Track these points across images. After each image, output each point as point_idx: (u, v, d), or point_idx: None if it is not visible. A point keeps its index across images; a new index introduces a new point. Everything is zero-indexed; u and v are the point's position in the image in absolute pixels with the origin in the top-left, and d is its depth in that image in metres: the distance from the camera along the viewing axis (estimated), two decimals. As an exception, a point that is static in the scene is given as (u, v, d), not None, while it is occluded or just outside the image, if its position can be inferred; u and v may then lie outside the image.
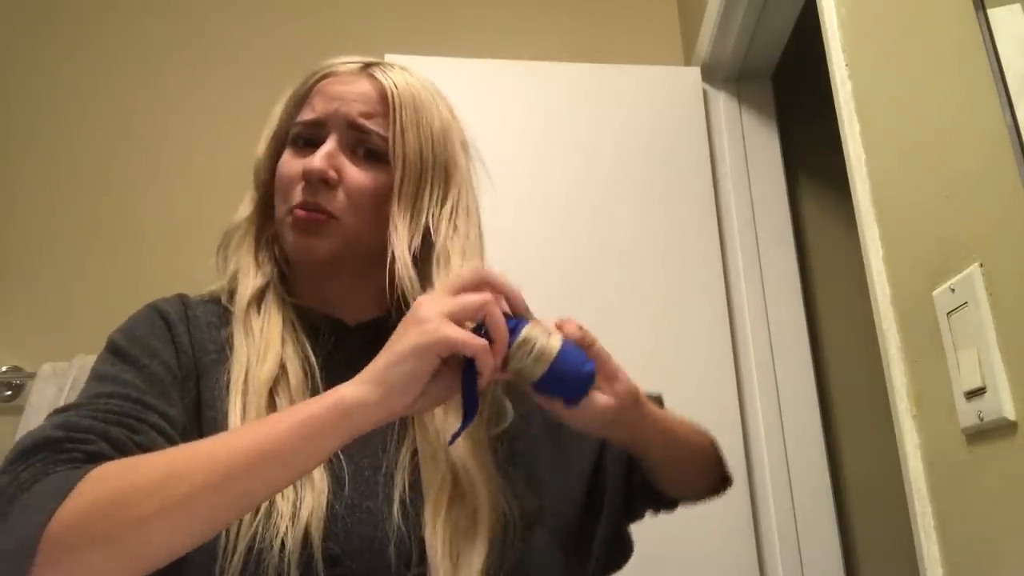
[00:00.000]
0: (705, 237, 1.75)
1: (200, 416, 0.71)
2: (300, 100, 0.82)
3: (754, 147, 1.87)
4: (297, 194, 0.76)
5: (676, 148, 1.80)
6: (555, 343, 0.64)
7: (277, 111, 0.84)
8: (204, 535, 0.58)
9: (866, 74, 1.01)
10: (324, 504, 0.66)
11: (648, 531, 1.61)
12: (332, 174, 0.76)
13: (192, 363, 0.74)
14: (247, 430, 0.62)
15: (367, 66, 0.81)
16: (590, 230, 1.71)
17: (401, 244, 0.75)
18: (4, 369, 1.78)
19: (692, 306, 1.70)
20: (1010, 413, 0.72)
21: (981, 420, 0.75)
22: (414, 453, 0.73)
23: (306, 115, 0.80)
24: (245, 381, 0.71)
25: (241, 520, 0.64)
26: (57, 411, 0.66)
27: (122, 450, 0.62)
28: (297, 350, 0.76)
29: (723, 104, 1.90)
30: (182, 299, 0.81)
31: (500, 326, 0.63)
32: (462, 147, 0.84)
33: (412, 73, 0.83)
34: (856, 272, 1.07)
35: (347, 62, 0.82)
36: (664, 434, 0.78)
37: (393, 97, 0.78)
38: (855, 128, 1.02)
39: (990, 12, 0.75)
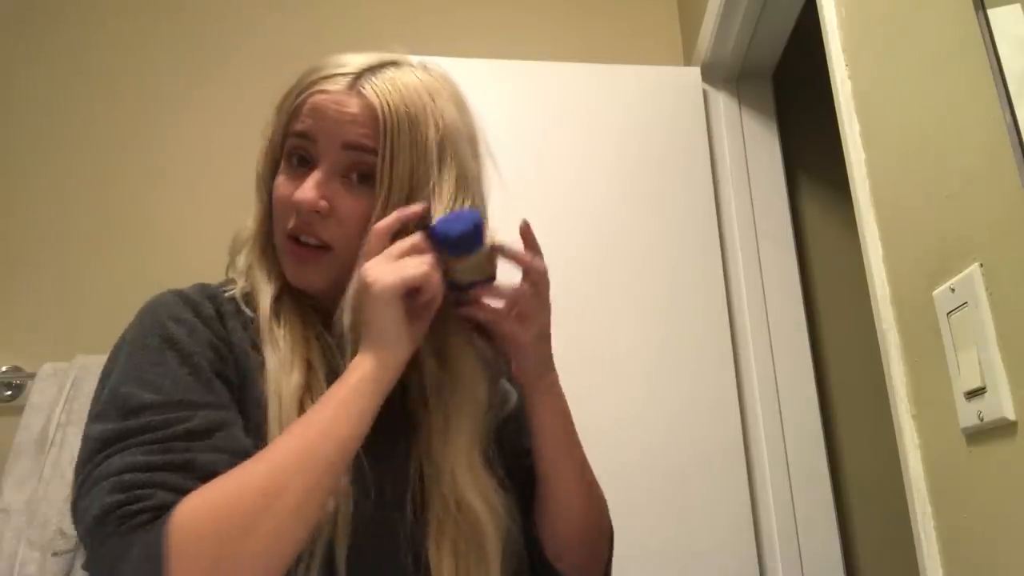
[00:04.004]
0: (705, 237, 1.75)
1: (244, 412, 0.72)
2: (292, 113, 0.79)
3: (754, 147, 1.87)
4: (291, 221, 0.76)
5: (676, 148, 1.80)
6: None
7: (270, 122, 0.82)
8: (309, 531, 0.62)
9: (866, 74, 1.01)
10: (351, 511, 0.68)
11: (649, 530, 1.61)
12: (323, 204, 0.74)
13: (230, 354, 0.73)
14: (306, 425, 0.66)
15: (357, 78, 0.76)
16: (590, 230, 1.71)
17: None
18: (4, 369, 1.78)
19: (692, 306, 1.70)
20: (1010, 413, 0.72)
21: (981, 420, 0.75)
22: (421, 463, 0.76)
23: (296, 128, 0.77)
24: (280, 391, 0.72)
25: None
26: (103, 447, 0.63)
27: (181, 489, 0.61)
28: (321, 350, 0.76)
29: (723, 104, 1.90)
30: (206, 291, 0.78)
31: (437, 286, 0.72)
32: (470, 145, 0.80)
33: (408, 71, 0.79)
34: (856, 272, 1.07)
35: (336, 74, 0.77)
36: (564, 422, 0.82)
37: (384, 117, 0.74)
38: (855, 128, 1.02)
39: (990, 12, 0.75)
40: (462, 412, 0.76)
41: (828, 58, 1.08)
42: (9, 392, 1.78)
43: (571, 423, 0.83)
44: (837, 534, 1.64)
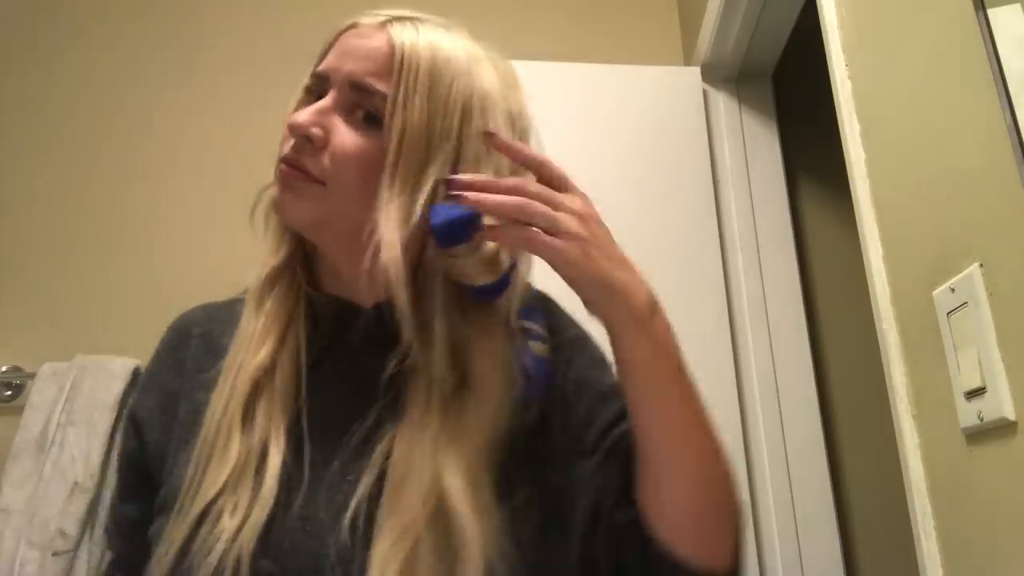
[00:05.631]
0: (705, 237, 1.75)
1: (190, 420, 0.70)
2: (323, 54, 0.74)
3: (754, 147, 1.87)
4: (286, 148, 0.69)
5: (676, 148, 1.80)
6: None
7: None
8: None
9: (866, 74, 1.01)
10: (262, 520, 0.61)
11: (648, 531, 1.59)
12: (316, 131, 0.68)
13: (176, 402, 0.73)
14: None
15: (393, 20, 0.71)
16: (590, 230, 1.71)
17: (390, 225, 0.64)
18: (4, 369, 1.78)
19: (692, 306, 1.70)
20: (1010, 413, 0.72)
21: (981, 420, 0.75)
22: (388, 456, 0.64)
23: (318, 69, 0.72)
24: (238, 367, 0.68)
25: (174, 540, 0.62)
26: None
27: None
28: (292, 343, 0.70)
29: (723, 104, 1.90)
30: (180, 323, 0.79)
31: None
32: (509, 119, 0.74)
33: (458, 34, 0.74)
34: (856, 272, 1.07)
35: (377, 13, 0.73)
36: (657, 370, 0.68)
37: (402, 57, 0.68)
38: (855, 128, 1.02)
39: (990, 12, 0.75)
40: (468, 420, 0.64)
41: (828, 58, 1.08)
42: (9, 392, 1.78)
43: (673, 370, 0.69)
44: (837, 534, 1.64)
